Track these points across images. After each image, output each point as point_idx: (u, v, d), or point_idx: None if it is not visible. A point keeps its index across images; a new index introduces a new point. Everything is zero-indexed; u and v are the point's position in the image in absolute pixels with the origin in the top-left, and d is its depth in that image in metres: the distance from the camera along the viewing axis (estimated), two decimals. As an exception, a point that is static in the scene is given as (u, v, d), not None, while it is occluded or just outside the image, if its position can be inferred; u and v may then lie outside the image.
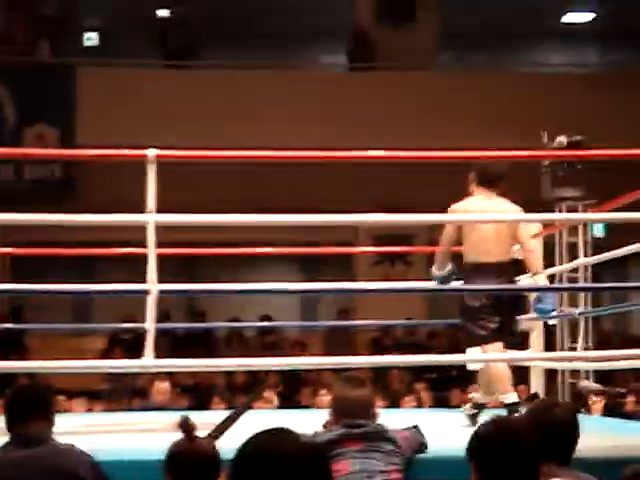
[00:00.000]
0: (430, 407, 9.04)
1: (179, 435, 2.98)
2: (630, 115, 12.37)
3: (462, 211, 5.18)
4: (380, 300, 10.35)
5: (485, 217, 5.14)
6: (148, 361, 4.24)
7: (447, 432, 4.86)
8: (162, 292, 4.30)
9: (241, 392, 9.61)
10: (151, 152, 4.41)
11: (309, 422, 3.80)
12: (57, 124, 12.56)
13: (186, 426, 2.96)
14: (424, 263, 13.00)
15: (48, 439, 3.48)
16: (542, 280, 5.31)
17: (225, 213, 4.60)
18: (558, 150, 7.36)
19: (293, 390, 10.25)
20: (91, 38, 14.97)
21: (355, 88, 13.05)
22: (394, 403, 8.64)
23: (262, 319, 11.99)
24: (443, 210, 5.19)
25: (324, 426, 3.79)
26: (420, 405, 9.05)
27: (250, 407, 3.24)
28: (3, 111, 12.53)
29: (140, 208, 4.67)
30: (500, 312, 5.12)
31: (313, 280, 12.98)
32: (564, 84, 13.23)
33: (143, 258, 4.37)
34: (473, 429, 2.75)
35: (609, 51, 16.57)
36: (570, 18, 16.13)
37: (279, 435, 2.07)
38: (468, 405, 5.56)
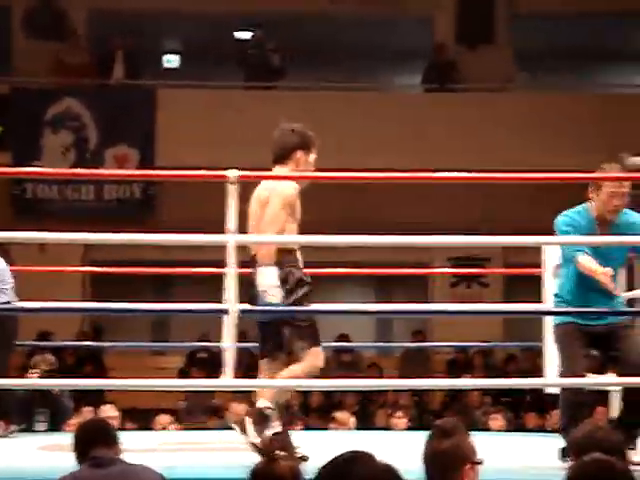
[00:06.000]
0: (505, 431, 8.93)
1: (257, 455, 3.00)
2: None
3: None
4: (456, 322, 10.30)
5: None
6: (227, 380, 4.28)
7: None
8: (242, 312, 4.35)
9: (316, 413, 9.61)
10: (232, 173, 4.48)
11: (385, 444, 3.80)
12: (137, 145, 12.74)
13: (269, 446, 2.98)
14: (500, 285, 13.01)
15: (119, 461, 3.61)
16: None
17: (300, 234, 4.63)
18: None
19: (369, 411, 10.22)
20: (171, 60, 15.18)
21: (431, 109, 13.01)
22: (475, 426, 8.54)
23: (339, 338, 11.96)
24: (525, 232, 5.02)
25: None
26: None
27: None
28: (85, 132, 12.75)
29: (220, 228, 4.74)
30: None
31: (387, 301, 12.95)
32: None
33: (222, 277, 4.41)
34: None
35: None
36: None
37: (357, 458, 2.09)
38: None
